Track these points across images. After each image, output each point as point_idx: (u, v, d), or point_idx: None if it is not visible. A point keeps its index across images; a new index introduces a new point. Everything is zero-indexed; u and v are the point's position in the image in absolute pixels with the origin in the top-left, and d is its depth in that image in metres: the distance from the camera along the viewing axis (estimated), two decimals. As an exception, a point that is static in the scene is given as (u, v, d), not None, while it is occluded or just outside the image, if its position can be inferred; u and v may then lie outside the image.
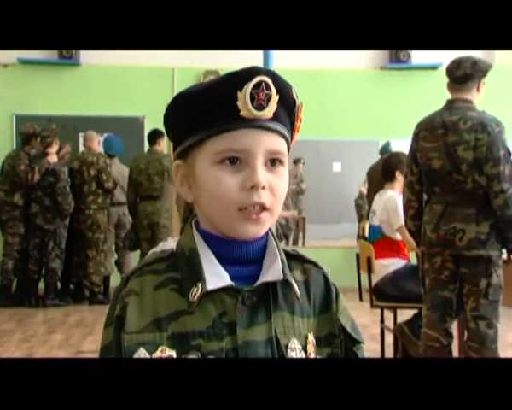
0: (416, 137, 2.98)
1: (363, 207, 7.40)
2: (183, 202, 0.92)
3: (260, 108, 0.78)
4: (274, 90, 0.79)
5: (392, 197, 3.85)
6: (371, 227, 4.08)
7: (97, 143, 6.44)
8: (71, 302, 6.27)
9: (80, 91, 7.17)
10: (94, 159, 6.21)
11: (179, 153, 0.85)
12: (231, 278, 0.81)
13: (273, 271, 0.82)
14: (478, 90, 2.88)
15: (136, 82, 7.14)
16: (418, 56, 7.45)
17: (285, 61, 6.35)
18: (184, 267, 0.83)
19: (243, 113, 0.78)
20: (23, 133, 6.22)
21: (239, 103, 0.78)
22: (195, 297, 0.80)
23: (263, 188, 0.79)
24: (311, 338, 0.85)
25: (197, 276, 0.81)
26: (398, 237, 3.85)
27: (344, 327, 0.88)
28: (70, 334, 4.79)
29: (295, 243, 7.90)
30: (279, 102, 0.80)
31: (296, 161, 7.71)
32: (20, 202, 6.10)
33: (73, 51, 7.14)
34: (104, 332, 0.85)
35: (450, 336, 2.90)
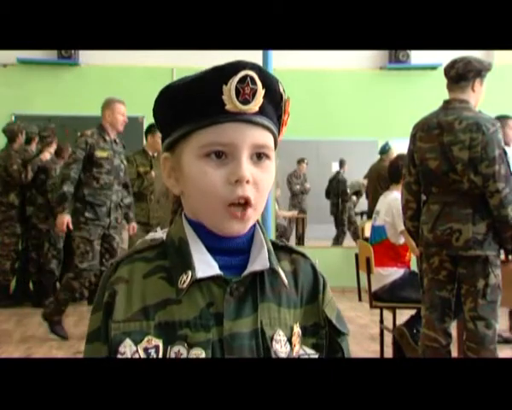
0: (413, 138, 3.00)
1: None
2: (172, 194, 0.91)
3: (246, 102, 0.78)
4: (260, 85, 0.79)
5: (397, 199, 3.77)
6: (374, 228, 4.02)
7: (96, 143, 6.42)
8: (69, 302, 6.26)
9: (79, 91, 7.16)
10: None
11: (167, 145, 0.85)
12: (220, 267, 0.81)
13: (260, 260, 0.83)
14: (473, 89, 2.87)
15: (135, 82, 7.13)
16: (417, 56, 7.46)
17: (284, 62, 6.36)
18: (174, 256, 0.83)
19: (228, 107, 0.78)
20: (7, 131, 6.14)
21: (224, 97, 0.78)
22: (184, 285, 0.80)
23: (247, 182, 0.79)
24: (296, 329, 0.85)
25: (187, 264, 0.81)
26: (400, 240, 3.81)
27: (329, 319, 0.88)
28: (69, 334, 4.78)
29: (298, 243, 7.90)
30: (265, 97, 0.80)
31: (300, 161, 7.73)
32: (15, 202, 6.04)
33: (72, 51, 7.14)
34: (91, 318, 0.84)
35: (448, 336, 2.90)
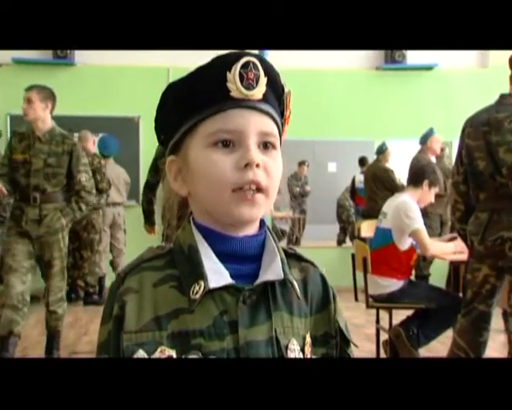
0: (462, 134, 2.80)
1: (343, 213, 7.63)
2: (176, 203, 0.90)
3: (250, 87, 0.79)
4: (262, 71, 0.80)
5: (405, 202, 3.62)
6: (379, 229, 3.79)
7: (92, 143, 6.40)
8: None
9: (75, 91, 7.14)
10: (88, 159, 6.19)
11: (172, 147, 0.85)
12: (230, 276, 0.80)
13: (273, 270, 0.82)
14: None
15: (131, 82, 7.13)
16: (413, 57, 7.47)
17: (280, 61, 6.35)
18: (184, 264, 0.82)
19: (233, 93, 0.79)
20: None
21: (228, 84, 0.79)
22: (197, 295, 0.78)
23: (257, 166, 0.79)
24: (308, 339, 0.85)
25: (198, 273, 0.80)
26: (405, 245, 3.63)
27: (341, 328, 0.88)
28: (65, 335, 4.76)
29: (294, 243, 7.90)
30: (268, 85, 0.81)
31: (301, 164, 7.71)
32: None
33: (68, 51, 7.12)
34: (100, 330, 0.84)
35: (483, 350, 2.75)
